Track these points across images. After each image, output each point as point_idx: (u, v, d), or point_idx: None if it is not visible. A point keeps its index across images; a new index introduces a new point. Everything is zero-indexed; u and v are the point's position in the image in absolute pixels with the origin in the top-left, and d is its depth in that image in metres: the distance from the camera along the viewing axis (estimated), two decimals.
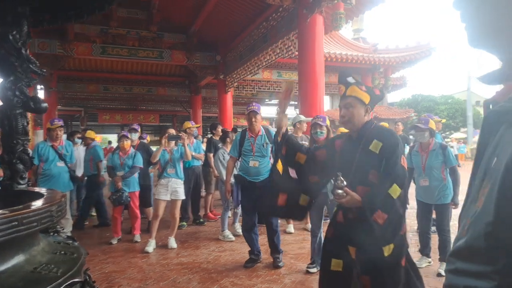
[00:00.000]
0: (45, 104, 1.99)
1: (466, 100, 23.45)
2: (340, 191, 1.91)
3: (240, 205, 4.32)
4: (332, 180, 2.17)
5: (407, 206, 2.70)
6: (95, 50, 9.85)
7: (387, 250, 1.80)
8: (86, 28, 9.72)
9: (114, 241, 4.83)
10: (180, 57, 10.80)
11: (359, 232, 1.87)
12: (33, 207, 1.34)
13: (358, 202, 1.89)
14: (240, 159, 3.97)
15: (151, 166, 5.77)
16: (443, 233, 3.59)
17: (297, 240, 4.83)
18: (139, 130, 5.93)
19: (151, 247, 4.48)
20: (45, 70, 2.07)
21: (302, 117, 5.28)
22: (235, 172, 4.20)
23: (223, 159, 4.96)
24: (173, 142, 4.82)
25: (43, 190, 1.87)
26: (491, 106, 0.65)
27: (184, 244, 4.73)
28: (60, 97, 13.65)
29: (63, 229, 4.21)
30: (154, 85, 14.76)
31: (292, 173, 2.18)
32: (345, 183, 1.93)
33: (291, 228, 5.19)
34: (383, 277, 1.84)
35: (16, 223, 1.22)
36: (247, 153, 3.86)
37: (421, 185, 3.67)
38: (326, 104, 17.69)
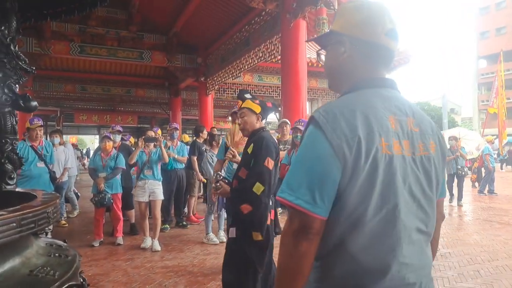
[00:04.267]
0: (35, 103, 1.94)
1: (441, 107, 24.33)
2: (218, 184, 2.48)
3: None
4: None
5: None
6: (73, 49, 9.58)
7: (256, 236, 2.29)
8: (64, 26, 9.44)
9: (96, 244, 4.71)
10: (160, 59, 10.66)
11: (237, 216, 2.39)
12: (30, 208, 1.30)
13: (228, 193, 2.46)
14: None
15: (133, 168, 5.69)
16: None
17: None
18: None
19: (147, 243, 4.61)
20: (34, 68, 2.02)
21: (287, 121, 5.35)
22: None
23: (212, 161, 4.94)
24: (151, 144, 4.82)
25: (33, 191, 1.81)
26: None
27: (168, 247, 4.67)
28: (35, 97, 13.07)
29: (51, 231, 4.07)
30: (133, 86, 14.48)
31: None
32: (222, 177, 2.54)
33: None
34: (252, 252, 2.31)
35: (14, 224, 1.19)
36: None
37: None
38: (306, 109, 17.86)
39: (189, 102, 15.54)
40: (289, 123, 5.33)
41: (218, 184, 2.46)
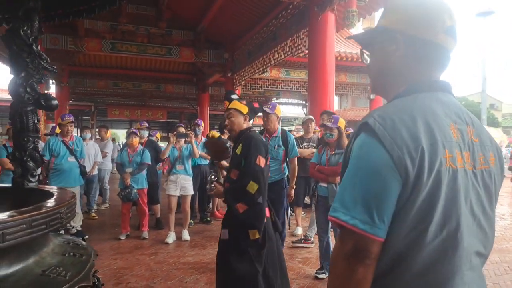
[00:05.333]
0: (56, 101, 1.96)
1: (480, 102, 22.94)
2: (212, 185, 2.53)
3: None
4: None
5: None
6: (104, 46, 9.85)
7: (253, 234, 2.27)
8: (96, 24, 9.72)
9: (123, 237, 4.84)
10: (188, 54, 10.76)
11: (229, 217, 2.41)
12: (42, 209, 1.30)
13: (221, 194, 2.46)
14: None
15: (158, 164, 5.79)
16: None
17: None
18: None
19: (171, 238, 4.72)
20: (55, 67, 2.04)
21: (312, 118, 5.22)
22: None
23: None
24: (182, 140, 4.93)
25: (53, 189, 1.84)
26: None
27: (191, 243, 4.71)
28: (71, 92, 13.75)
29: (72, 227, 4.20)
30: (163, 82, 14.76)
31: None
32: (215, 178, 2.59)
33: (298, 230, 5.12)
34: (245, 254, 2.28)
35: (24, 225, 1.19)
36: None
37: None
38: (335, 104, 17.52)
39: (216, 97, 15.66)
40: (314, 120, 5.20)
41: (213, 185, 2.53)
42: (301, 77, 12.48)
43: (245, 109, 2.52)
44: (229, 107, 2.54)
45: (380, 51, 0.93)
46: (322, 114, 4.92)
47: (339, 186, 0.84)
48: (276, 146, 3.79)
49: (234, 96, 2.59)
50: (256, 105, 2.72)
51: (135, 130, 5.23)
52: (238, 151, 2.40)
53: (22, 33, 1.87)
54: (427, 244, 0.75)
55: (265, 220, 2.35)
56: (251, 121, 2.60)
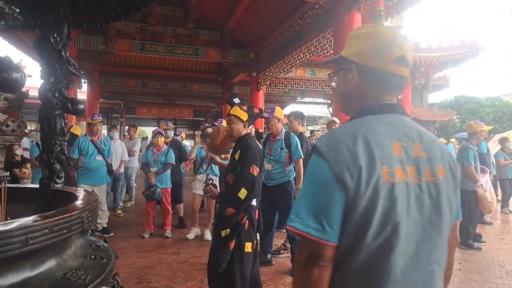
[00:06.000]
0: (82, 106, 2.02)
1: None
2: (207, 187, 2.69)
3: None
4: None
5: None
6: (134, 46, 10.11)
7: (224, 233, 2.46)
8: (127, 25, 9.98)
9: (146, 235, 4.96)
10: (214, 54, 10.86)
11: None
12: (64, 214, 1.33)
13: (216, 196, 2.73)
14: None
15: (182, 163, 5.89)
16: None
17: None
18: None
19: (193, 234, 4.85)
20: (82, 72, 2.12)
21: (336, 119, 5.13)
22: None
23: None
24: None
25: (77, 191, 1.90)
26: None
27: None
28: (102, 91, 14.22)
29: (96, 228, 4.32)
30: (189, 81, 14.98)
31: None
32: (211, 181, 2.75)
33: None
34: (216, 249, 2.52)
35: (47, 230, 1.23)
36: (266, 155, 3.94)
37: None
38: None
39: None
40: (338, 122, 5.11)
41: (208, 187, 2.70)
42: (327, 76, 12.30)
43: (244, 116, 2.64)
44: (230, 113, 2.67)
45: (342, 77, 1.07)
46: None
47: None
48: (279, 149, 3.86)
49: (236, 100, 2.68)
50: (256, 110, 2.85)
51: (160, 131, 5.34)
52: (237, 157, 2.56)
53: (52, 40, 1.94)
54: (366, 245, 0.86)
55: (242, 222, 2.47)
56: (251, 127, 2.74)
